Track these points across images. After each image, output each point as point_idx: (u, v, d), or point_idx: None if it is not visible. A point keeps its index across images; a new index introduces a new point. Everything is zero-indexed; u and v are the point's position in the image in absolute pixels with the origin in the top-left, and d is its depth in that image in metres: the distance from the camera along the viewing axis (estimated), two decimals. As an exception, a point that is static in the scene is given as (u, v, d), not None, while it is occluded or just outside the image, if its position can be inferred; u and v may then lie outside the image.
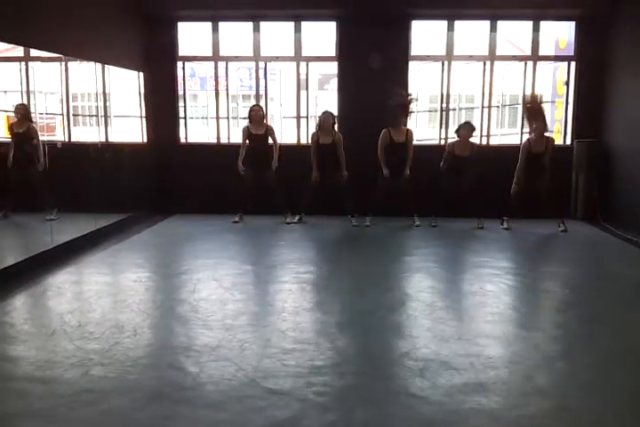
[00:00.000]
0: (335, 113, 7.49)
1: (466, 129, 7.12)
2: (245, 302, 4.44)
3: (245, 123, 7.59)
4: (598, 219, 7.51)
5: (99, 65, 6.74)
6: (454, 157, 7.11)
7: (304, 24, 7.95)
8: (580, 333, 3.87)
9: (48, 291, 4.65)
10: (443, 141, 7.73)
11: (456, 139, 7.21)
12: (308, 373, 3.15)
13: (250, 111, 7.52)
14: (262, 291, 4.89)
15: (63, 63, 6.13)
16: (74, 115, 6.70)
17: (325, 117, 7.29)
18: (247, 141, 7.45)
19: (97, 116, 6.89)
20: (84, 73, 6.61)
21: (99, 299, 4.46)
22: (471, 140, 7.19)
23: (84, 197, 6.39)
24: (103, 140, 6.90)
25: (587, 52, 7.76)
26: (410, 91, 7.47)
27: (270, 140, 7.51)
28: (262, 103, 8.01)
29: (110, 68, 6.98)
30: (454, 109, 7.97)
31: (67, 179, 6.07)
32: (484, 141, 8.10)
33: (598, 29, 7.62)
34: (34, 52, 5.67)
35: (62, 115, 6.42)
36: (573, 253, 6.24)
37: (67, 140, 6.43)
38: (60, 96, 6.33)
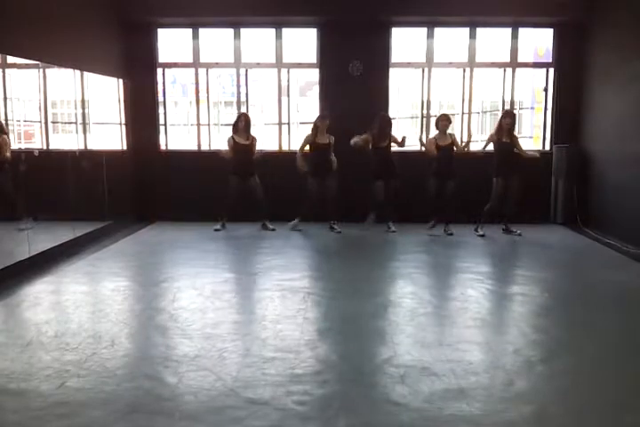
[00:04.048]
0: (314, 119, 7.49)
1: (443, 120, 7.25)
2: (225, 310, 4.39)
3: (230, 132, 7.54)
4: (578, 223, 7.59)
5: (77, 72, 6.68)
6: (439, 148, 7.17)
7: (285, 31, 7.97)
8: (559, 337, 3.89)
9: (24, 301, 4.57)
10: (424, 148, 7.74)
11: (436, 132, 7.32)
12: (289, 381, 3.13)
13: (237, 120, 7.46)
14: (243, 299, 4.85)
15: (41, 70, 6.07)
16: (52, 122, 6.62)
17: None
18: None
19: (76, 123, 6.82)
20: (63, 80, 6.54)
21: (76, 309, 4.39)
22: (449, 132, 7.31)
23: (63, 206, 6.30)
24: (82, 147, 6.83)
25: (564, 59, 7.88)
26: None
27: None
28: (244, 110, 7.99)
29: (89, 75, 6.92)
30: (435, 116, 7.99)
31: (45, 187, 5.98)
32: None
33: (576, 36, 7.74)
34: (10, 59, 5.60)
35: (40, 122, 6.34)
36: (553, 257, 6.28)
37: (45, 147, 6.35)
38: (39, 103, 6.26)
